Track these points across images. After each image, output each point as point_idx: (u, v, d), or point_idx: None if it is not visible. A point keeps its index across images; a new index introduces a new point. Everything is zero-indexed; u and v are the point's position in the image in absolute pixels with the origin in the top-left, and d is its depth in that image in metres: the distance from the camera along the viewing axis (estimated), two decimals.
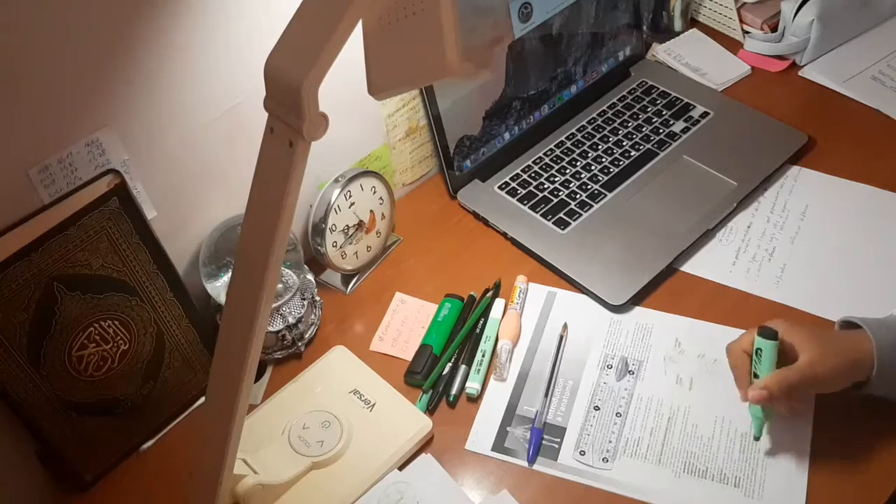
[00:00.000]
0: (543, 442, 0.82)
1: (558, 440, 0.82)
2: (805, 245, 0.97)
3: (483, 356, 0.88)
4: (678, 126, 1.12)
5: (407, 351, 0.91)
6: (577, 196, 1.04)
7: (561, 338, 0.90)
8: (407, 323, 0.94)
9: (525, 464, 0.80)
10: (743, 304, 0.92)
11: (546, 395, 0.85)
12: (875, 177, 1.03)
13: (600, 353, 0.89)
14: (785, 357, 0.76)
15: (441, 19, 0.53)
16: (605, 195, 1.03)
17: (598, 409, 0.84)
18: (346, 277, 0.99)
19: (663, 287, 0.94)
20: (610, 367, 0.87)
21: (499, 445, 0.82)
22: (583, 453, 0.80)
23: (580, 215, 1.01)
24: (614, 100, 1.17)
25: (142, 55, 0.75)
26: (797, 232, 0.99)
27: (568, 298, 0.94)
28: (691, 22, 1.30)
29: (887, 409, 0.79)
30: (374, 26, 0.56)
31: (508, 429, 0.83)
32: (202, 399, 0.88)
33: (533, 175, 1.07)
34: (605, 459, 0.80)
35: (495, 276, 0.97)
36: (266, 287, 0.58)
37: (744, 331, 0.80)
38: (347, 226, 0.95)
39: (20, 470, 0.81)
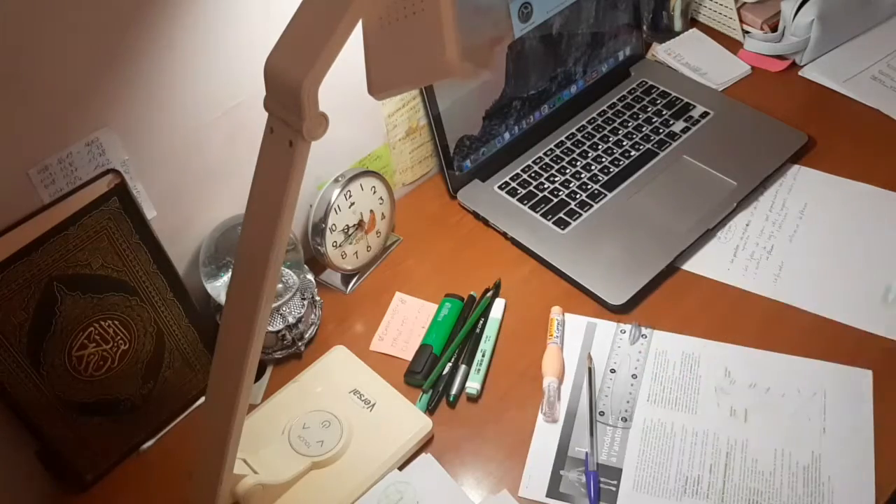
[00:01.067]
0: (600, 485, 0.78)
1: (615, 482, 0.78)
2: (803, 243, 0.97)
3: (483, 356, 0.88)
4: (678, 126, 1.12)
5: (407, 351, 0.91)
6: (577, 196, 1.04)
7: (589, 370, 0.86)
8: (407, 323, 0.94)
9: None
10: (742, 303, 0.92)
11: (591, 434, 0.81)
12: (875, 177, 1.03)
13: (649, 387, 0.86)
14: None
15: (441, 19, 0.53)
16: (606, 195, 1.03)
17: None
18: (346, 277, 0.99)
19: (664, 287, 0.94)
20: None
21: (553, 491, 0.78)
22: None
23: (580, 215, 1.01)
24: (614, 100, 1.17)
25: (142, 55, 0.75)
26: (795, 230, 0.99)
27: (609, 329, 0.91)
28: (691, 22, 1.30)
29: None
30: (374, 26, 0.56)
31: (562, 472, 0.79)
32: (202, 399, 0.88)
33: (533, 175, 1.07)
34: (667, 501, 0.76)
35: (495, 276, 0.97)
36: (266, 287, 0.58)
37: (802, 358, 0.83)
38: (347, 226, 0.95)
39: (20, 470, 0.81)
